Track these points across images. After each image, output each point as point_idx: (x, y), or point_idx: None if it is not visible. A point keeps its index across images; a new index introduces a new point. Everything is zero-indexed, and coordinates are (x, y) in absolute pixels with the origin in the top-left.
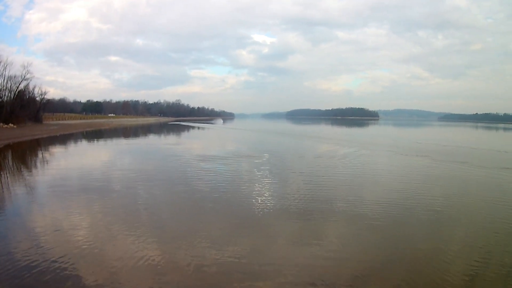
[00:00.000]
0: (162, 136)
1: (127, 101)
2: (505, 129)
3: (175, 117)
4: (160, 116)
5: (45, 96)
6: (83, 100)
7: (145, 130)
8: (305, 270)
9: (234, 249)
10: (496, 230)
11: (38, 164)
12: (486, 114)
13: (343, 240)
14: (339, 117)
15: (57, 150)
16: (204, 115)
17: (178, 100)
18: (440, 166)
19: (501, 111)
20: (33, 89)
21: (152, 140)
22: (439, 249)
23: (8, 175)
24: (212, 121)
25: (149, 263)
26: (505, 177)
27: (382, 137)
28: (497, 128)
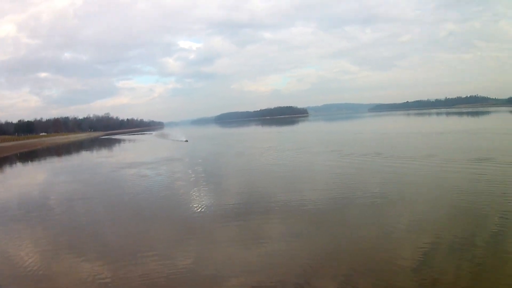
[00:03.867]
0: (94, 152)
1: (58, 119)
2: (437, 113)
3: (105, 131)
4: (91, 131)
5: None
6: (15, 120)
7: (77, 146)
8: (254, 272)
9: (181, 259)
10: (438, 216)
11: None
12: (417, 101)
13: (288, 237)
14: (268, 117)
15: None
16: (133, 127)
17: (107, 114)
18: (370, 158)
19: (432, 97)
20: None
21: (85, 156)
22: (384, 236)
23: None
24: (142, 132)
25: (98, 283)
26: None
27: (312, 134)
28: (430, 114)
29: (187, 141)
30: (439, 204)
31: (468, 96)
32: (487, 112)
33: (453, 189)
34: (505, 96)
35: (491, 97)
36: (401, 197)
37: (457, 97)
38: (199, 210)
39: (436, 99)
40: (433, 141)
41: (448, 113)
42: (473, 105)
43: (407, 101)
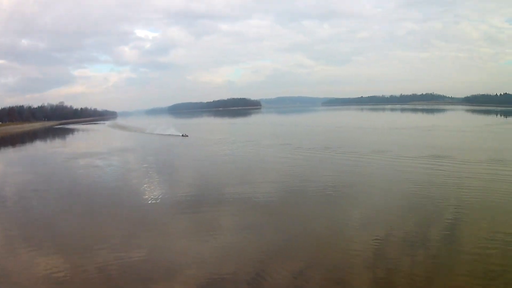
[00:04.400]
0: (48, 142)
1: (13, 107)
2: (391, 109)
3: (59, 120)
4: (45, 120)
5: None
6: None
7: (31, 136)
8: (207, 264)
9: (135, 251)
10: (391, 209)
11: None
12: (371, 97)
13: (241, 228)
14: (221, 109)
15: None
16: (87, 116)
17: (62, 103)
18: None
19: (387, 93)
20: None
21: (38, 146)
22: (336, 228)
23: None
24: (96, 122)
25: (53, 277)
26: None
27: (264, 126)
28: (384, 109)
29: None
30: (391, 198)
31: (423, 93)
32: (443, 110)
33: (405, 183)
34: (461, 95)
35: (447, 96)
36: (353, 191)
37: (413, 94)
38: (152, 201)
39: (391, 95)
40: (385, 136)
41: (402, 110)
42: (428, 102)
43: (362, 96)
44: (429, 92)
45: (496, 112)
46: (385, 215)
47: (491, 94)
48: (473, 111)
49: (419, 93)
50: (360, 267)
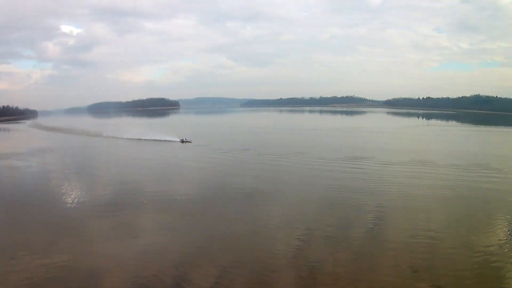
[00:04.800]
0: None
1: None
2: (310, 111)
3: None
4: None
5: None
6: None
7: None
8: (129, 267)
9: (58, 257)
10: (311, 208)
11: None
12: (291, 98)
13: (162, 230)
14: (140, 108)
15: None
16: (9, 115)
17: None
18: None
19: (307, 96)
20: None
21: None
22: (258, 228)
23: None
24: (17, 121)
25: None
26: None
27: (182, 126)
28: (302, 111)
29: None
30: (312, 199)
31: (343, 96)
32: (363, 112)
33: (325, 184)
34: (383, 98)
35: (368, 99)
36: (273, 191)
37: (333, 96)
38: (73, 204)
39: (311, 97)
40: (304, 137)
41: (321, 111)
42: (349, 104)
43: (281, 98)
44: (350, 95)
45: (418, 115)
46: (305, 215)
47: (413, 97)
48: (395, 113)
49: (339, 95)
50: (283, 267)
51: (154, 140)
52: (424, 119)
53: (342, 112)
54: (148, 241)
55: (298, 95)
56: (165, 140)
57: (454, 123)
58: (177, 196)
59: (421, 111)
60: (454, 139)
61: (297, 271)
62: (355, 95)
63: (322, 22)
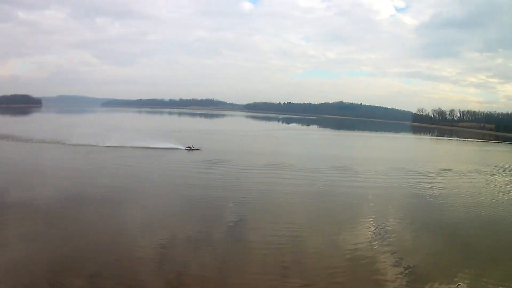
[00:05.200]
0: None
1: None
2: (170, 113)
3: None
4: None
5: None
6: None
7: None
8: None
9: None
10: (171, 212)
11: None
12: (151, 99)
13: (26, 239)
14: (4, 105)
15: None
16: None
17: None
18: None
19: (167, 97)
20: None
21: None
22: (123, 233)
23: None
24: None
25: None
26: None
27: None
28: (162, 113)
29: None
30: (172, 203)
31: (203, 99)
32: (222, 115)
33: (184, 187)
34: (243, 102)
35: (228, 102)
36: (135, 197)
37: (193, 99)
38: None
39: (171, 99)
40: (164, 138)
41: (180, 113)
42: (208, 107)
43: (141, 99)
44: (210, 98)
45: (278, 119)
46: (167, 219)
47: (274, 102)
48: (254, 117)
49: (199, 98)
50: (149, 273)
51: None
52: (284, 123)
53: (201, 115)
54: (12, 253)
55: (158, 96)
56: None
57: (314, 127)
58: (37, 201)
59: (281, 116)
60: (312, 142)
61: (165, 276)
62: (215, 98)
63: (190, 24)
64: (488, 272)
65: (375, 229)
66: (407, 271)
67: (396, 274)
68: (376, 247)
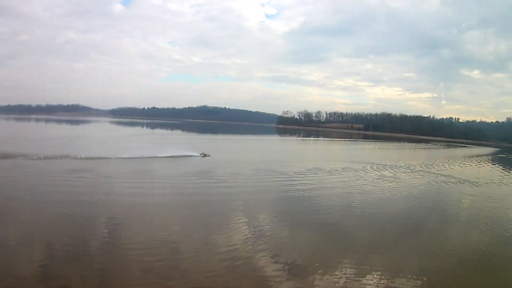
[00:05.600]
0: None
1: None
2: (37, 120)
3: None
4: None
5: None
6: None
7: None
8: None
9: None
10: (47, 224)
11: None
12: (19, 105)
13: None
14: None
15: None
16: None
17: None
18: None
19: (34, 103)
20: None
21: None
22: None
23: None
24: None
25: None
26: None
27: None
28: (29, 120)
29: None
30: (44, 214)
31: (70, 104)
32: (88, 121)
33: (53, 196)
34: (109, 107)
35: (93, 107)
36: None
37: (59, 104)
38: None
39: (38, 104)
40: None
41: (47, 120)
42: (75, 113)
43: (9, 105)
44: (76, 103)
45: (142, 124)
46: (41, 232)
47: (139, 107)
48: (119, 123)
49: (65, 103)
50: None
51: None
52: (149, 128)
53: (67, 121)
54: None
55: (26, 101)
56: None
57: (178, 131)
58: None
59: (145, 121)
60: (176, 147)
61: None
62: (81, 104)
63: (62, 25)
64: (368, 261)
65: (249, 231)
66: (286, 267)
67: (275, 270)
68: (252, 247)
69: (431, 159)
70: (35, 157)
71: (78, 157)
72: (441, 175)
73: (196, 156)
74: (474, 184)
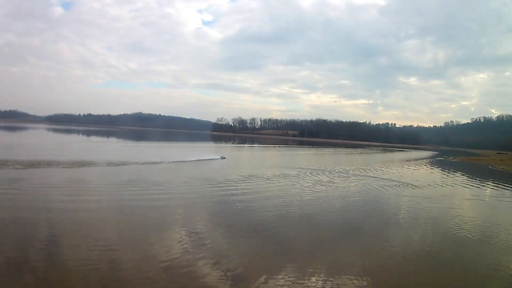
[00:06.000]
0: None
1: None
2: None
3: None
4: None
5: None
6: None
7: None
8: None
9: None
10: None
11: None
12: None
13: None
14: None
15: None
16: None
17: None
18: None
19: None
20: None
21: None
22: None
23: None
24: None
25: None
26: None
27: None
28: None
29: None
30: None
31: (8, 110)
32: (25, 128)
33: None
34: (45, 113)
35: (30, 113)
36: None
37: None
38: None
39: None
40: None
41: None
42: (12, 120)
43: None
44: (13, 108)
45: (78, 131)
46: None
47: (75, 114)
48: (55, 130)
49: (3, 109)
50: None
51: None
52: (85, 135)
53: (5, 128)
54: None
55: None
56: None
57: (114, 139)
58: None
59: (81, 128)
60: (112, 154)
61: None
62: (18, 110)
63: (2, 27)
64: (310, 264)
65: (188, 239)
66: (228, 274)
67: (218, 278)
68: (192, 255)
69: (369, 164)
70: None
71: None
72: (380, 178)
73: (163, 162)
74: (414, 187)
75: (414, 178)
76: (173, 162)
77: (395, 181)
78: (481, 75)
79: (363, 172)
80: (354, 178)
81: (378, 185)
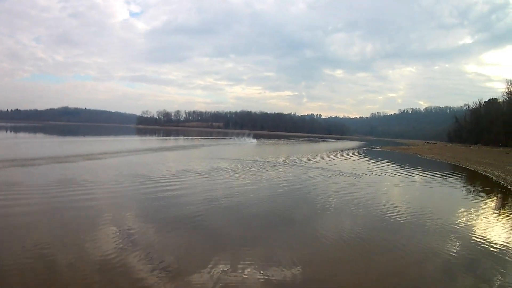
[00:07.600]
0: None
1: None
2: None
3: None
4: None
5: None
6: None
7: None
8: None
9: None
10: None
11: None
12: None
13: None
14: None
15: None
16: None
17: None
18: None
19: None
20: None
21: None
22: None
23: None
24: None
25: None
26: None
27: None
28: None
29: None
30: None
31: None
32: None
33: None
34: None
35: None
36: None
37: None
38: None
39: None
40: None
41: None
42: None
43: None
44: None
45: (6, 128)
46: None
47: (3, 110)
48: None
49: None
50: None
51: None
52: (13, 132)
53: None
54: None
55: None
56: None
57: (41, 135)
58: None
59: (9, 124)
60: (40, 151)
61: None
62: None
63: None
64: (241, 256)
65: (120, 237)
66: (163, 270)
67: (153, 275)
68: (126, 253)
69: (296, 154)
70: None
71: None
72: (309, 167)
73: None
74: (344, 174)
75: (343, 167)
76: (100, 158)
77: (323, 169)
78: (409, 69)
79: (290, 162)
80: (282, 168)
81: (306, 174)
